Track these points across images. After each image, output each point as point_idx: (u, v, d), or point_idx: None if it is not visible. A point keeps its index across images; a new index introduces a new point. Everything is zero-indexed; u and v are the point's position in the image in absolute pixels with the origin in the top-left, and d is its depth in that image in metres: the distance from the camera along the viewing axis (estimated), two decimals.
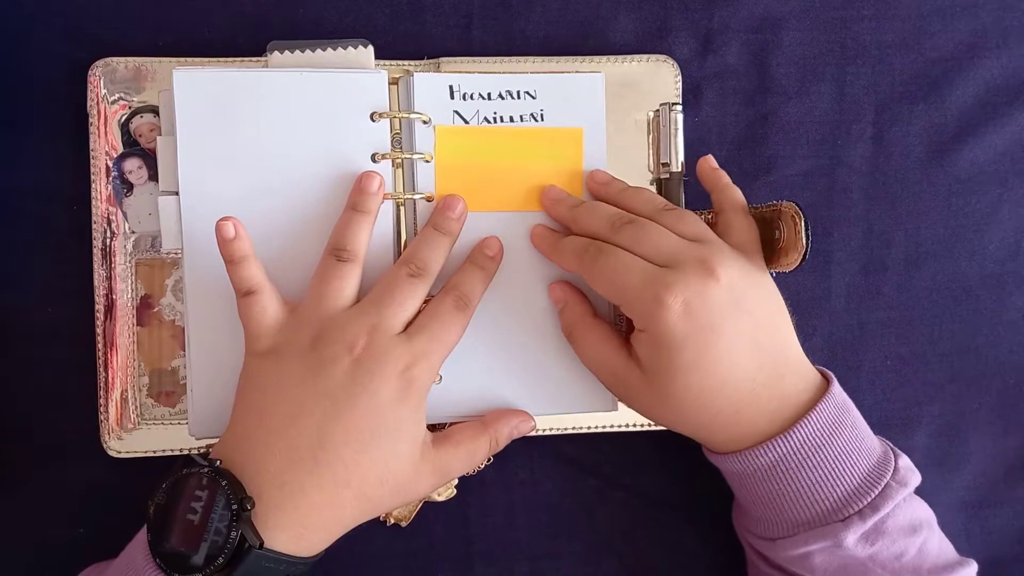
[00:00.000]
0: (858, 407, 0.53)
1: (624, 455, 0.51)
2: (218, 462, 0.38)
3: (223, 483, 0.37)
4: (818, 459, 0.42)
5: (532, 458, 0.51)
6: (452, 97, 0.47)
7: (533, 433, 0.49)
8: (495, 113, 0.47)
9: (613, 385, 0.44)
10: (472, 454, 0.43)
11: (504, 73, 0.48)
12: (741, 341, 0.41)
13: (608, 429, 0.50)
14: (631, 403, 0.44)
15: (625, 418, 0.50)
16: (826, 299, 0.53)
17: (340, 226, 0.44)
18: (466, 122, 0.47)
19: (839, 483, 0.42)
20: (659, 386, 0.41)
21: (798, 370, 0.43)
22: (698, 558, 0.52)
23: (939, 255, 0.54)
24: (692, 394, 0.41)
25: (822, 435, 0.42)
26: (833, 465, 0.42)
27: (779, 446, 0.42)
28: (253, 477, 0.38)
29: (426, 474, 0.41)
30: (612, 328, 0.45)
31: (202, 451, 0.40)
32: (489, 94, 0.47)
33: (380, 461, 0.40)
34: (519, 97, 0.47)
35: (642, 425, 0.50)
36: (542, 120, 0.47)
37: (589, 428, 0.50)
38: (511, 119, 0.47)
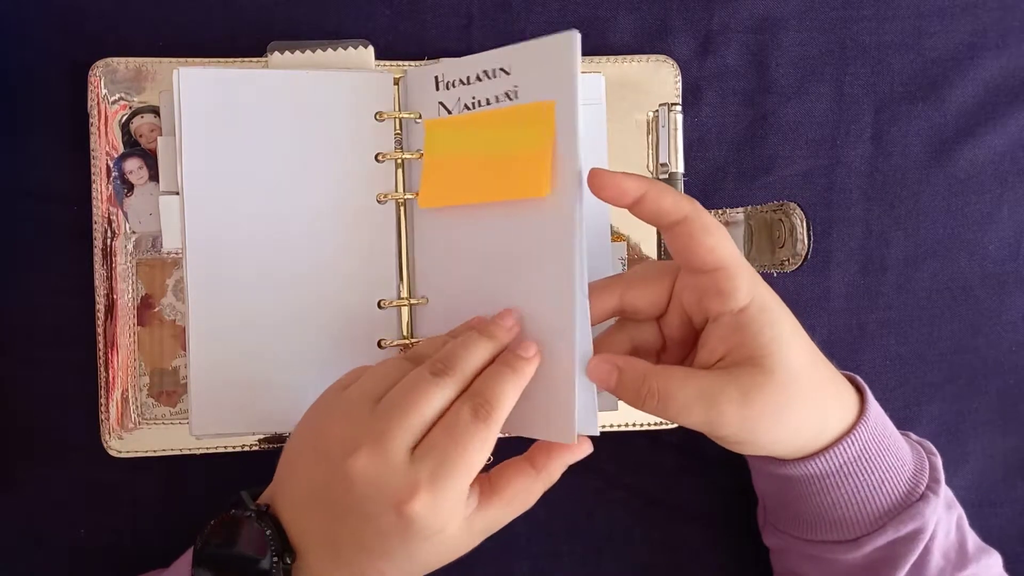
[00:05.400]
0: None
1: (624, 455, 0.51)
2: (266, 507, 0.38)
3: (267, 532, 0.37)
4: (888, 442, 0.42)
5: None
6: (437, 88, 0.44)
7: None
8: (473, 98, 0.43)
9: (735, 407, 0.37)
10: (524, 504, 0.39)
11: (485, 52, 0.42)
12: None
13: (608, 429, 0.50)
14: (758, 418, 0.38)
15: (625, 418, 0.50)
16: (825, 299, 0.53)
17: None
18: (449, 112, 0.44)
19: (906, 462, 0.43)
20: (778, 365, 0.37)
21: None
22: (698, 558, 0.52)
23: (939, 255, 0.54)
24: (805, 360, 0.39)
25: (882, 416, 0.43)
26: (898, 445, 0.43)
27: (862, 434, 0.41)
28: (293, 534, 0.38)
29: (475, 538, 0.39)
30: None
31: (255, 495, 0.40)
32: (468, 78, 0.43)
33: (405, 569, 0.37)
34: (494, 76, 0.42)
35: (642, 425, 0.50)
36: (516, 98, 0.41)
37: None
38: (487, 102, 0.42)
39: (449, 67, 0.44)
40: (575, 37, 0.38)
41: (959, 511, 0.45)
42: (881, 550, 0.43)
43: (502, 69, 0.42)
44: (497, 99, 0.42)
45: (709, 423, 0.38)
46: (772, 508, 0.48)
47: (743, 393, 0.37)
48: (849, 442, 0.41)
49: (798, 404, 0.38)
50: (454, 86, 0.44)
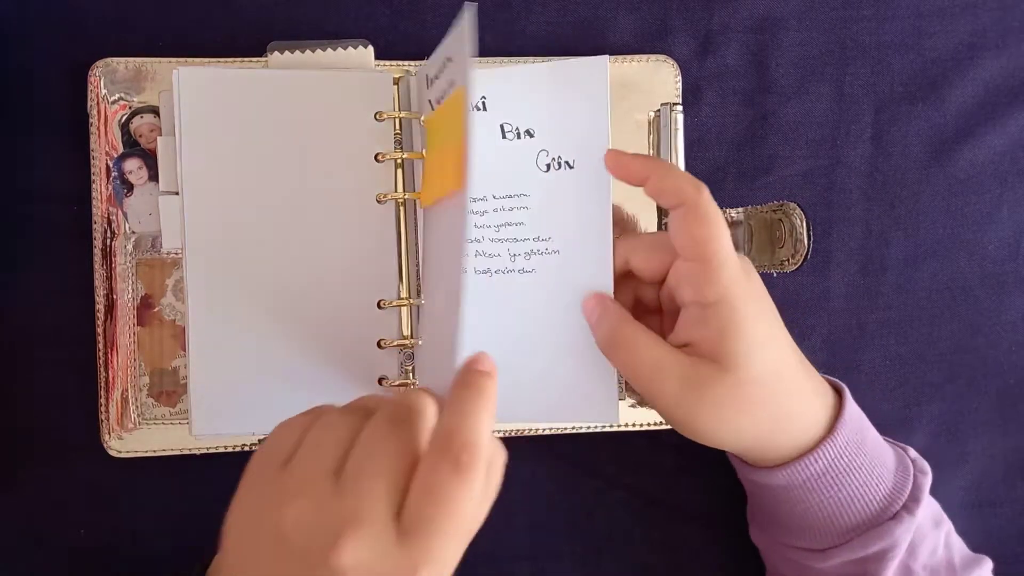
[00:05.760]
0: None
1: (624, 455, 0.51)
2: None
3: None
4: (860, 460, 0.41)
5: (532, 458, 0.51)
6: (427, 86, 0.45)
7: (533, 433, 0.50)
8: (439, 93, 0.43)
9: (667, 386, 0.39)
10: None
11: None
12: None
13: (608, 429, 0.50)
14: (685, 404, 0.39)
15: (625, 418, 0.50)
16: (825, 299, 0.53)
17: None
18: (432, 109, 0.44)
19: (881, 481, 0.42)
20: (737, 368, 0.38)
21: (815, 370, 0.43)
22: (698, 558, 0.52)
23: (938, 255, 0.54)
24: (771, 370, 0.39)
25: (858, 434, 0.42)
26: (872, 464, 0.42)
27: (828, 451, 0.41)
28: None
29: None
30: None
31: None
32: (438, 73, 0.43)
33: None
34: (445, 67, 0.41)
35: (642, 425, 0.50)
36: (452, 87, 0.40)
37: (589, 428, 0.50)
38: (444, 96, 0.42)
39: (430, 63, 0.44)
40: (468, 9, 0.35)
41: (947, 528, 0.45)
42: (850, 564, 0.43)
43: (448, 58, 0.41)
44: (446, 92, 0.41)
45: (650, 394, 0.39)
46: (755, 506, 0.48)
47: (688, 379, 0.38)
48: (813, 459, 0.41)
49: (745, 409, 0.39)
50: (433, 82, 0.44)
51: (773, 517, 0.46)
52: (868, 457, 0.42)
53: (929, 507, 0.43)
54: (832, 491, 0.42)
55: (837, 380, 0.44)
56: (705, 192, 0.39)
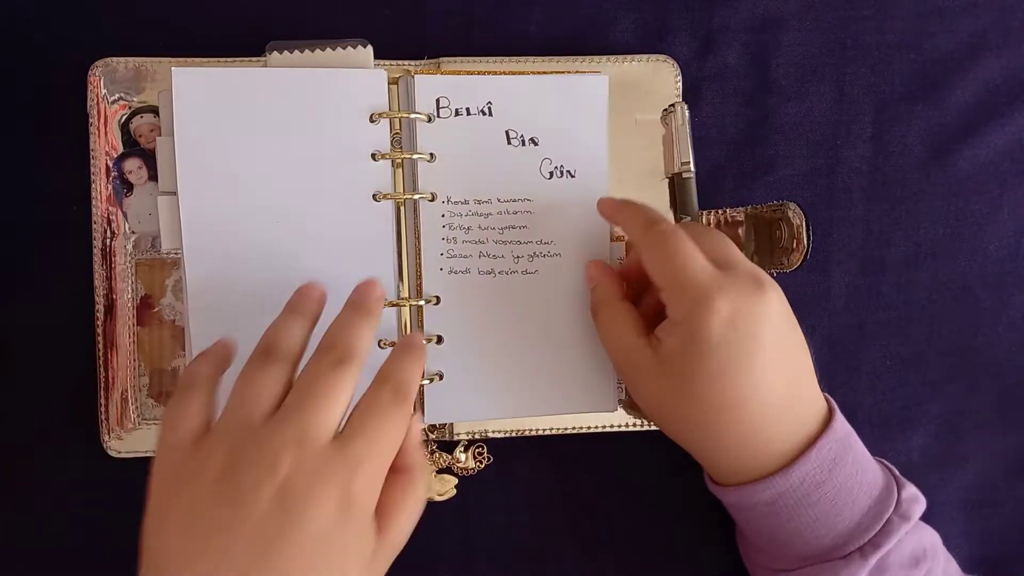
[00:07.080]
0: (858, 407, 0.53)
1: (624, 455, 0.51)
2: None
3: None
4: (817, 496, 0.41)
5: (532, 458, 0.51)
6: None
7: (533, 433, 0.50)
8: None
9: (626, 368, 0.43)
10: (419, 506, 0.38)
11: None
12: (776, 363, 0.40)
13: (608, 429, 0.50)
14: (639, 392, 0.43)
15: (625, 418, 0.50)
16: (826, 299, 0.53)
17: (277, 323, 0.39)
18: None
19: (839, 520, 0.41)
20: (676, 379, 0.40)
21: (813, 402, 0.42)
22: (697, 558, 0.52)
23: (939, 255, 0.54)
24: (724, 401, 0.39)
25: (822, 472, 0.41)
26: (833, 502, 0.41)
27: (779, 483, 0.41)
28: None
29: (379, 568, 0.36)
30: (637, 314, 0.43)
31: None
32: None
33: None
34: None
35: (642, 425, 0.50)
36: None
37: (589, 428, 0.50)
38: None
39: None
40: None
41: (928, 567, 0.43)
42: None
43: None
44: None
45: (609, 351, 0.44)
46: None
47: (636, 367, 0.42)
48: (761, 487, 0.41)
49: (680, 416, 0.42)
50: None
51: (741, 530, 0.47)
52: (827, 496, 0.41)
53: (906, 548, 0.42)
54: (782, 520, 0.42)
55: (833, 404, 0.43)
56: (653, 231, 0.41)
